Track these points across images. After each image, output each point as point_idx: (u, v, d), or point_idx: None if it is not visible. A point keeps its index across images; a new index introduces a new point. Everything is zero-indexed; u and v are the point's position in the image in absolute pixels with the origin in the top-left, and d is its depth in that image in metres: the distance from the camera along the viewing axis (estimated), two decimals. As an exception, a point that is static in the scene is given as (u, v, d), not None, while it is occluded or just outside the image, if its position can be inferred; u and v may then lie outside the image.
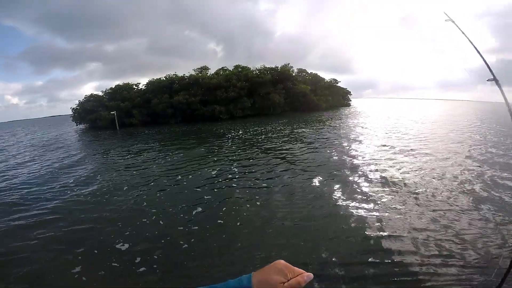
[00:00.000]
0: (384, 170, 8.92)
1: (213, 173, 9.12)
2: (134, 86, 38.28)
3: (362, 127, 19.96)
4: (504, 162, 9.54)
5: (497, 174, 8.15)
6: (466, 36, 2.36)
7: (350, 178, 8.25)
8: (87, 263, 4.37)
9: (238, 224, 5.70)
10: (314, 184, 7.89)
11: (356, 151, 11.72)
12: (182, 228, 5.46)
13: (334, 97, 43.71)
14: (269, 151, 12.05)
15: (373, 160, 10.16)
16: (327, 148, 12.54)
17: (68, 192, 8.17)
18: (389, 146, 12.53)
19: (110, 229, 5.50)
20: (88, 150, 15.92)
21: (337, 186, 7.64)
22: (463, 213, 5.90)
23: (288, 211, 6.14)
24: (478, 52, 2.30)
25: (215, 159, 10.64)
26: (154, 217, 6.01)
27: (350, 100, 53.82)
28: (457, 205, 6.32)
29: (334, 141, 14.24)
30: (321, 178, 8.26)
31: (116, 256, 4.52)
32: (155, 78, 37.72)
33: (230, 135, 14.71)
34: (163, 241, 4.96)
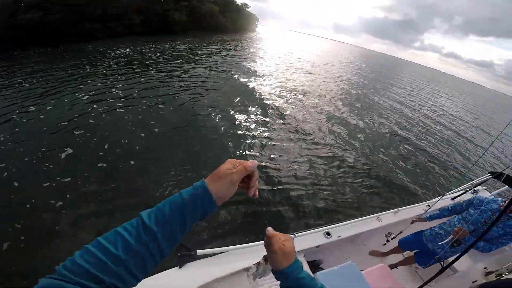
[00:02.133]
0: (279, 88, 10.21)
1: (84, 98, 6.58)
2: None
3: (264, 51, 21.84)
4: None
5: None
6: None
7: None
8: None
9: (130, 162, 4.56)
10: (210, 105, 7.55)
11: (253, 71, 12.24)
12: (48, 184, 3.86)
13: (243, 21, 41.00)
14: (164, 70, 9.96)
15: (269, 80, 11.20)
16: (227, 69, 12.15)
17: None
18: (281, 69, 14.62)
19: None
20: None
21: (232, 108, 7.73)
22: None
23: (188, 136, 5.62)
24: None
25: (88, 81, 7.69)
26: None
27: (257, 26, 52.13)
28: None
29: (236, 62, 14.24)
30: (216, 98, 8.12)
31: None
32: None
33: (112, 54, 11.01)
34: (23, 209, 3.45)
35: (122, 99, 6.75)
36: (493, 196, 2.91)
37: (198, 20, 28.28)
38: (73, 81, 7.46)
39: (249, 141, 6.16)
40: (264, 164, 5.33)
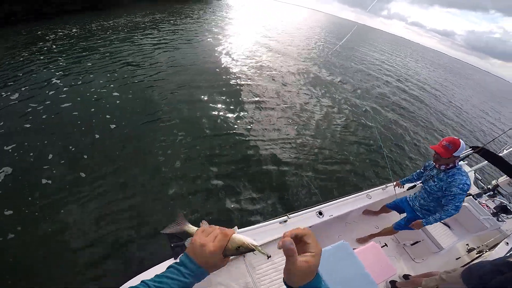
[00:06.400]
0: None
1: (14, 98, 5.30)
2: None
3: (230, 20, 21.17)
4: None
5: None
6: None
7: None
8: None
9: (81, 174, 3.66)
10: (176, 86, 6.81)
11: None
12: None
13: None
14: (116, 50, 8.57)
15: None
16: (190, 41, 11.10)
17: None
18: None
19: None
20: None
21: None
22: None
23: (150, 128, 4.92)
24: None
25: (20, 74, 6.14)
26: None
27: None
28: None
29: (200, 33, 13.03)
30: (180, 78, 7.39)
31: None
32: None
33: (53, 36, 9.02)
34: None
35: (65, 90, 5.46)
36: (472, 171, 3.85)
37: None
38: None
39: (223, 121, 5.59)
40: (249, 144, 5.01)
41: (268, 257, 0.62)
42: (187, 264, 0.61)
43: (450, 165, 2.19)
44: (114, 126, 4.67)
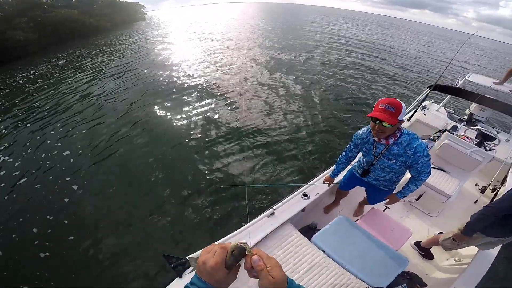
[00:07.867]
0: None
1: None
2: None
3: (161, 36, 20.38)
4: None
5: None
6: None
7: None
8: None
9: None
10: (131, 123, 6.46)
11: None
12: None
13: (121, 14, 35.69)
14: (55, 98, 8.11)
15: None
16: (127, 70, 10.45)
17: None
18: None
19: None
20: None
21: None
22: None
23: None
24: None
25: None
26: None
27: (146, 14, 46.42)
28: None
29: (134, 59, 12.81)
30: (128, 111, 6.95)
31: None
32: None
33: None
34: None
35: (17, 166, 5.32)
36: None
37: (54, 32, 22.09)
38: None
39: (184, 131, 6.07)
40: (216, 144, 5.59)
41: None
42: (197, 283, 0.64)
43: (398, 134, 1.74)
44: (77, 186, 4.65)
